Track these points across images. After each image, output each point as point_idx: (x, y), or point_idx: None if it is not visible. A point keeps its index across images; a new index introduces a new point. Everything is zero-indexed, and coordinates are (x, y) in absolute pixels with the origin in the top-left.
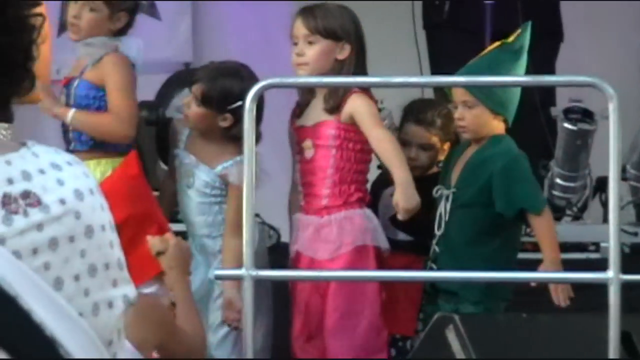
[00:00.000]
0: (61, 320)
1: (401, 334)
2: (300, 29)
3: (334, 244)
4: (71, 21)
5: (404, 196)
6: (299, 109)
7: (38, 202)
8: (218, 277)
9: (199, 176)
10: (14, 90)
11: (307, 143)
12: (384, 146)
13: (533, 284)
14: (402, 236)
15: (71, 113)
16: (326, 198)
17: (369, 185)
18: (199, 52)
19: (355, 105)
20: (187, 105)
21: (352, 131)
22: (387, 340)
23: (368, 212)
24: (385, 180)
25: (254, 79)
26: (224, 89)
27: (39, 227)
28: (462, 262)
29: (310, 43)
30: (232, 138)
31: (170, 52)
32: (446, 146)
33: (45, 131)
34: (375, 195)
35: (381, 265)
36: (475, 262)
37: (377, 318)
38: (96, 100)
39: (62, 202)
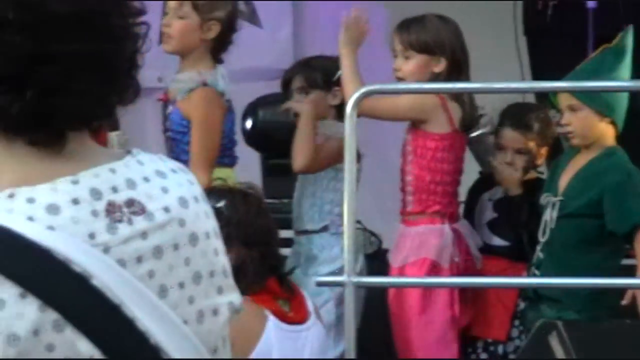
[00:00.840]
0: (165, 328)
1: (493, 339)
2: (397, 43)
3: (406, 255)
4: (163, 31)
5: None
6: None
7: (142, 210)
8: (320, 284)
9: None
10: (119, 98)
11: (408, 148)
12: None
13: (624, 302)
14: (497, 241)
15: None
16: (409, 205)
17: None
18: (300, 59)
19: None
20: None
21: (421, 137)
22: (470, 346)
23: (445, 229)
24: (482, 185)
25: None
26: (321, 66)
27: (143, 235)
28: (565, 269)
29: (406, 58)
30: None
31: (271, 59)
32: (543, 150)
33: (147, 138)
34: (473, 199)
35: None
36: (580, 270)
37: (447, 331)
38: (189, 129)
39: (167, 210)
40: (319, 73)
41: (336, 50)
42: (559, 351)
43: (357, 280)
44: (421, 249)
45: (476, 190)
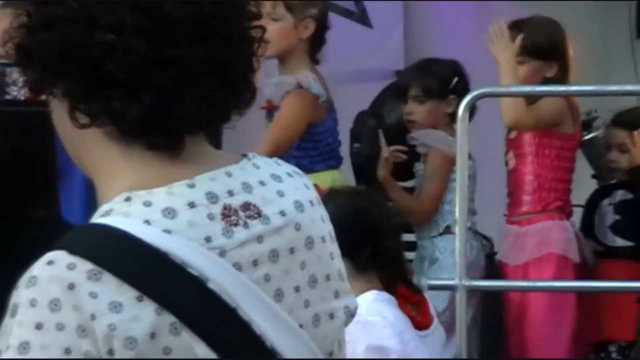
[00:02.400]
0: (281, 332)
1: (626, 341)
2: None
3: (530, 252)
4: None
5: None
6: None
7: (258, 214)
8: (431, 288)
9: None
10: (236, 102)
11: (510, 154)
12: None
13: None
14: (621, 242)
15: None
16: (526, 205)
17: (580, 194)
18: (411, 60)
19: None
20: (409, 113)
21: (547, 137)
22: (602, 349)
23: (567, 224)
24: (601, 193)
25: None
26: (437, 73)
27: (259, 238)
28: None
29: (519, 62)
30: (453, 121)
31: (382, 61)
32: None
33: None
34: (592, 208)
35: (580, 276)
36: None
37: (576, 327)
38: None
39: (283, 213)
40: (435, 81)
41: (447, 51)
42: None
43: (469, 283)
44: (545, 245)
45: (595, 199)
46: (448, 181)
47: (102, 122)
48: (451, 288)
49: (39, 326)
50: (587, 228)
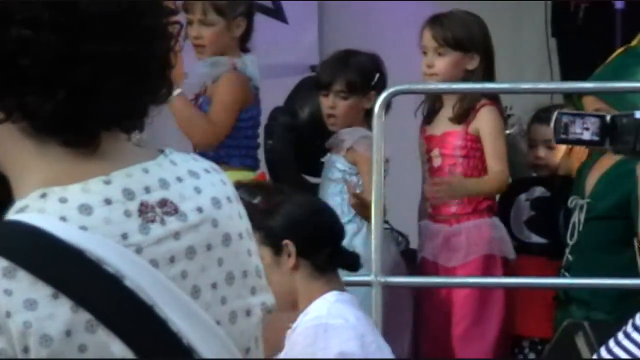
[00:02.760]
0: (198, 329)
1: (539, 337)
2: (429, 40)
3: (463, 252)
4: (194, 43)
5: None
6: (429, 118)
7: (175, 211)
8: (347, 284)
9: (334, 166)
10: (152, 99)
11: (435, 152)
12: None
13: None
14: (535, 239)
15: (177, 91)
16: (455, 206)
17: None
18: (326, 55)
19: (484, 121)
20: (332, 107)
21: (479, 141)
22: (515, 345)
23: (497, 221)
24: (518, 186)
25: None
26: (360, 68)
27: (176, 235)
28: (595, 271)
29: (439, 54)
30: (368, 116)
31: (297, 56)
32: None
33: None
34: (508, 201)
35: (508, 273)
36: (609, 271)
37: (504, 324)
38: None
39: (200, 210)
40: (359, 77)
41: (362, 46)
42: (585, 352)
43: (385, 279)
44: (480, 245)
45: (511, 193)
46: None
47: (16, 118)
48: (367, 284)
49: None
50: (503, 223)
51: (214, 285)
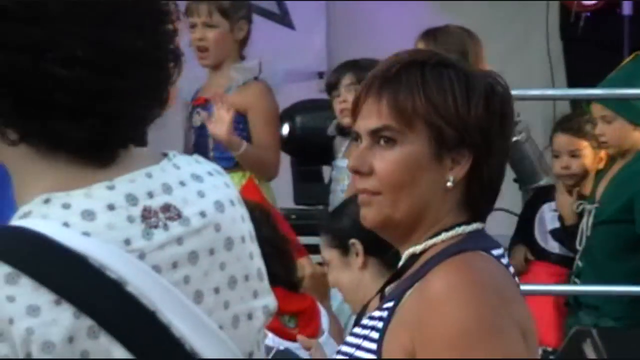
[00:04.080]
0: (201, 334)
1: (552, 348)
2: None
3: None
4: (198, 45)
5: None
6: None
7: (178, 215)
8: None
9: (344, 171)
10: (160, 110)
11: None
12: None
13: None
14: (557, 249)
15: (245, 146)
16: None
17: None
18: (334, 61)
19: None
20: (344, 101)
21: None
22: None
23: None
24: (543, 193)
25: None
26: (370, 66)
27: (179, 240)
28: (604, 277)
29: None
30: None
31: (305, 62)
32: (603, 154)
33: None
34: (533, 208)
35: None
36: (618, 277)
37: None
38: (239, 124)
39: (203, 214)
40: (367, 73)
41: (371, 52)
42: (592, 358)
43: None
44: None
45: (535, 200)
46: None
47: (34, 140)
48: None
49: None
50: (524, 231)
51: (216, 290)
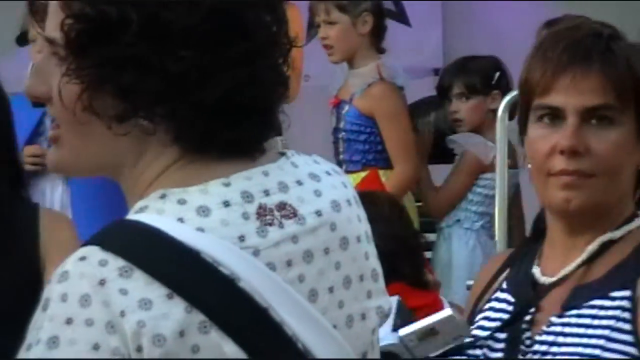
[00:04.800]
0: (315, 333)
1: None
2: None
3: None
4: (323, 44)
5: None
6: None
7: (294, 214)
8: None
9: None
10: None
11: None
12: None
13: None
14: None
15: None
16: None
17: None
18: (450, 58)
19: None
20: (455, 112)
21: None
22: None
23: None
24: None
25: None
26: (479, 69)
27: (294, 238)
28: None
29: None
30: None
31: (421, 59)
32: None
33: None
34: None
35: None
36: None
37: None
38: (367, 128)
39: (318, 213)
40: (478, 77)
41: (487, 49)
42: None
43: None
44: None
45: None
46: (471, 184)
47: (185, 141)
48: None
49: (68, 321)
50: None
51: (331, 289)
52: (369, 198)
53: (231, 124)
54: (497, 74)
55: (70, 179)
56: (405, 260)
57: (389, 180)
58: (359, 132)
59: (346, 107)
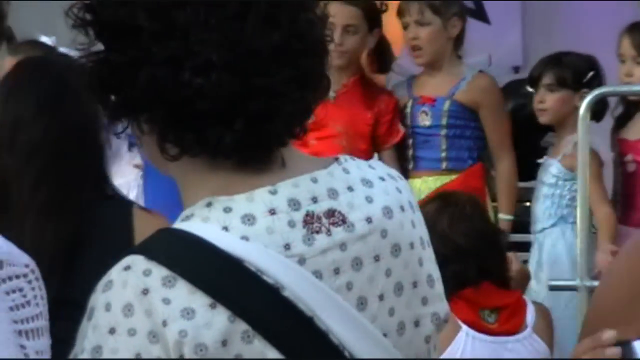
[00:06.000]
0: (363, 341)
1: None
2: (628, 48)
3: None
4: (411, 44)
5: None
6: (622, 121)
7: (343, 221)
8: (553, 288)
9: (548, 170)
10: (317, 100)
11: (629, 157)
12: None
13: None
14: None
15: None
16: None
17: None
18: (529, 56)
19: None
20: (540, 101)
21: None
22: None
23: None
24: None
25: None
26: (573, 65)
27: (342, 246)
28: None
29: (638, 63)
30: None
31: (500, 56)
32: None
33: None
34: None
35: None
36: None
37: None
38: (470, 122)
39: (369, 220)
40: (570, 71)
41: (568, 47)
42: None
43: (591, 284)
44: None
45: None
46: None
47: (194, 151)
48: (572, 288)
49: (112, 331)
50: None
51: (381, 297)
52: (451, 199)
53: (275, 136)
54: (591, 72)
55: (146, 178)
56: (489, 257)
57: (499, 172)
58: (462, 126)
59: (447, 103)
